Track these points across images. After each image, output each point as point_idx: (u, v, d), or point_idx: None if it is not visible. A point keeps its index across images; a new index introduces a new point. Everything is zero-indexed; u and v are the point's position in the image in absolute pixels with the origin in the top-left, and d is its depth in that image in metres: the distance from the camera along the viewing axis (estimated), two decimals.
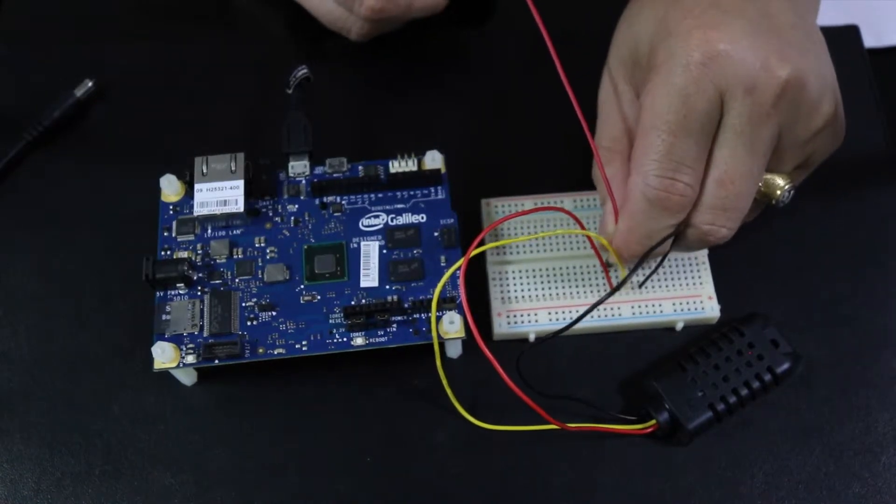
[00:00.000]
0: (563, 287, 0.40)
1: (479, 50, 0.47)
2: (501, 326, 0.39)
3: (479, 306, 0.40)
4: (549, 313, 0.40)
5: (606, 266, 0.40)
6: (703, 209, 0.35)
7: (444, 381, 0.36)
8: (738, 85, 0.34)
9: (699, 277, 0.40)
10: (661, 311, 0.40)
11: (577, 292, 0.40)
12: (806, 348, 0.39)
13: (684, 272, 0.40)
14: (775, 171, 0.36)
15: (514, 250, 0.41)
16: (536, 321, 0.39)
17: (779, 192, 0.36)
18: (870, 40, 0.48)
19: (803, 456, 0.37)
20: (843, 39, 0.47)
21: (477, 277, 0.40)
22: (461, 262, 0.35)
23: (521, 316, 0.40)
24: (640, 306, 0.40)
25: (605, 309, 0.39)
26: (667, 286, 0.40)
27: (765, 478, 0.37)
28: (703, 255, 0.41)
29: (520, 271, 0.40)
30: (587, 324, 0.38)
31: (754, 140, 0.34)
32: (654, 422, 0.37)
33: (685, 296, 0.40)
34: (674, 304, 0.40)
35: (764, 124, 0.34)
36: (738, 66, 0.33)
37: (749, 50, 0.34)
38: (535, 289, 0.40)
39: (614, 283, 0.40)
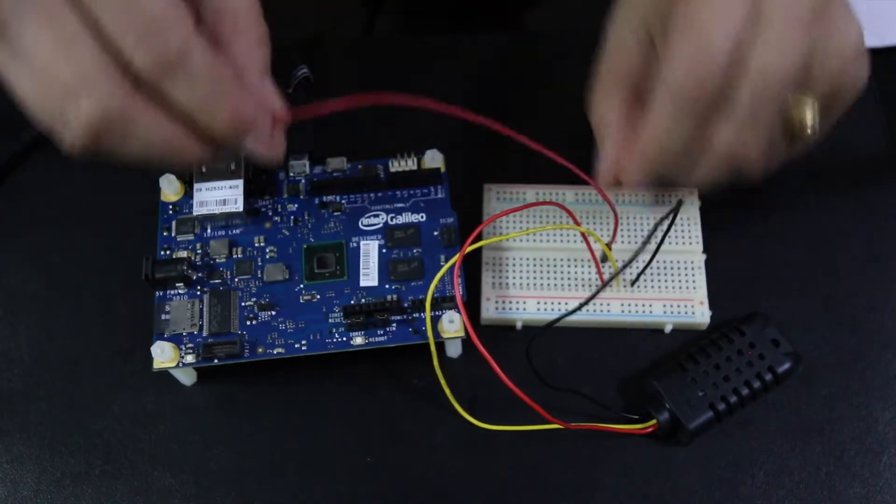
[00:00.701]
0: (555, 278, 0.40)
1: (480, 49, 0.47)
2: (489, 311, 0.39)
3: (477, 303, 0.40)
4: (539, 303, 0.40)
5: (599, 261, 0.40)
6: (734, 110, 0.33)
7: (443, 382, 0.36)
8: None
9: (693, 281, 0.40)
10: (651, 312, 0.40)
11: (569, 284, 0.40)
12: (806, 348, 0.39)
13: (679, 275, 0.40)
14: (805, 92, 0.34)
15: (511, 238, 0.41)
16: (525, 309, 0.40)
17: (809, 114, 0.33)
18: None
19: (804, 456, 0.37)
20: None
21: (477, 275, 0.40)
22: (455, 258, 0.35)
23: (510, 303, 0.40)
24: (629, 304, 0.40)
25: (594, 304, 0.39)
26: (659, 287, 0.40)
27: (765, 478, 0.37)
28: (699, 259, 0.41)
29: (514, 259, 0.41)
30: (574, 317, 0.37)
31: (788, 42, 0.33)
32: (654, 421, 0.37)
33: (676, 298, 0.40)
34: (664, 306, 0.40)
35: (802, 30, 0.33)
36: None
37: None
38: (527, 277, 0.40)
39: (606, 278, 0.40)
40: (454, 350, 0.39)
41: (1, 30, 0.28)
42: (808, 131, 0.33)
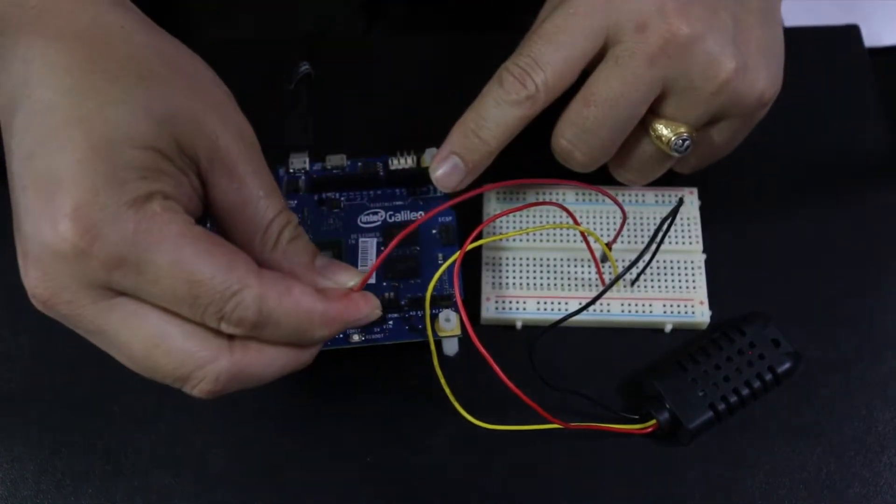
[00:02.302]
0: (555, 278, 0.40)
1: (480, 49, 0.47)
2: (489, 311, 0.39)
3: (476, 303, 0.40)
4: (538, 302, 0.40)
5: (599, 261, 0.40)
6: (563, 122, 0.37)
7: (443, 381, 0.36)
8: (629, 20, 0.35)
9: (693, 281, 0.40)
10: (651, 312, 0.39)
11: (568, 284, 0.40)
12: (807, 348, 0.39)
13: (679, 274, 0.40)
14: (678, 119, 0.37)
15: (510, 237, 0.41)
16: (525, 309, 0.40)
17: (666, 135, 0.37)
18: (870, 40, 0.48)
19: (804, 456, 0.37)
20: (843, 39, 0.47)
21: (477, 274, 0.40)
22: (455, 256, 0.35)
23: (510, 303, 0.40)
24: (630, 304, 0.40)
25: (595, 304, 0.39)
26: (659, 287, 0.40)
27: (765, 478, 0.37)
28: (699, 258, 0.41)
29: (514, 259, 0.41)
30: (574, 317, 0.37)
31: (630, 75, 0.36)
32: (654, 421, 0.37)
33: (677, 298, 0.40)
34: (664, 306, 0.40)
35: (647, 64, 0.35)
36: (634, 3, 0.35)
37: None
38: (527, 277, 0.40)
39: (606, 279, 0.40)
40: (451, 348, 0.39)
41: (95, 334, 0.30)
42: (673, 149, 0.37)
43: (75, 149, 0.28)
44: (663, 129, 0.37)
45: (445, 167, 0.38)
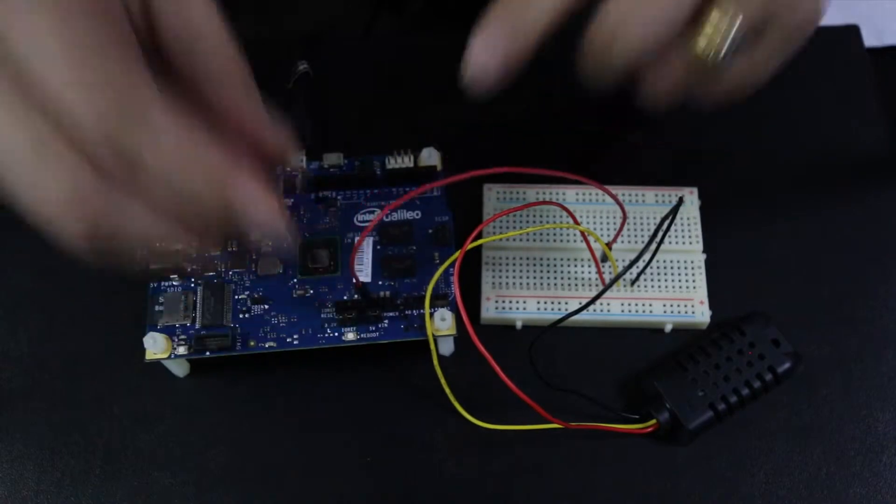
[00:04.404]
0: (555, 278, 0.40)
1: None
2: (489, 311, 0.40)
3: (476, 302, 0.40)
4: (539, 302, 0.40)
5: (599, 261, 0.40)
6: None
7: (443, 381, 0.36)
8: None
9: (693, 281, 0.40)
10: (651, 311, 0.39)
11: (569, 284, 0.40)
12: (807, 348, 0.39)
13: (679, 274, 0.40)
14: (731, 10, 0.31)
15: (510, 237, 0.41)
16: (525, 309, 0.40)
17: (719, 27, 0.31)
18: (870, 40, 0.48)
19: (804, 456, 0.37)
20: (843, 39, 0.47)
21: (474, 274, 0.40)
22: (456, 255, 0.35)
23: (510, 302, 0.40)
24: (629, 304, 0.40)
25: (594, 304, 0.39)
26: (659, 287, 0.40)
27: (765, 478, 0.37)
28: (699, 258, 0.41)
29: (514, 259, 0.41)
30: (574, 316, 0.37)
31: None
32: (654, 421, 0.37)
33: (676, 298, 0.40)
34: (664, 306, 0.40)
35: None
36: None
37: None
38: (527, 277, 0.40)
39: (606, 278, 0.40)
40: (446, 348, 0.39)
41: None
42: (711, 50, 0.31)
43: None
44: (717, 19, 0.31)
45: (484, 56, 0.33)
